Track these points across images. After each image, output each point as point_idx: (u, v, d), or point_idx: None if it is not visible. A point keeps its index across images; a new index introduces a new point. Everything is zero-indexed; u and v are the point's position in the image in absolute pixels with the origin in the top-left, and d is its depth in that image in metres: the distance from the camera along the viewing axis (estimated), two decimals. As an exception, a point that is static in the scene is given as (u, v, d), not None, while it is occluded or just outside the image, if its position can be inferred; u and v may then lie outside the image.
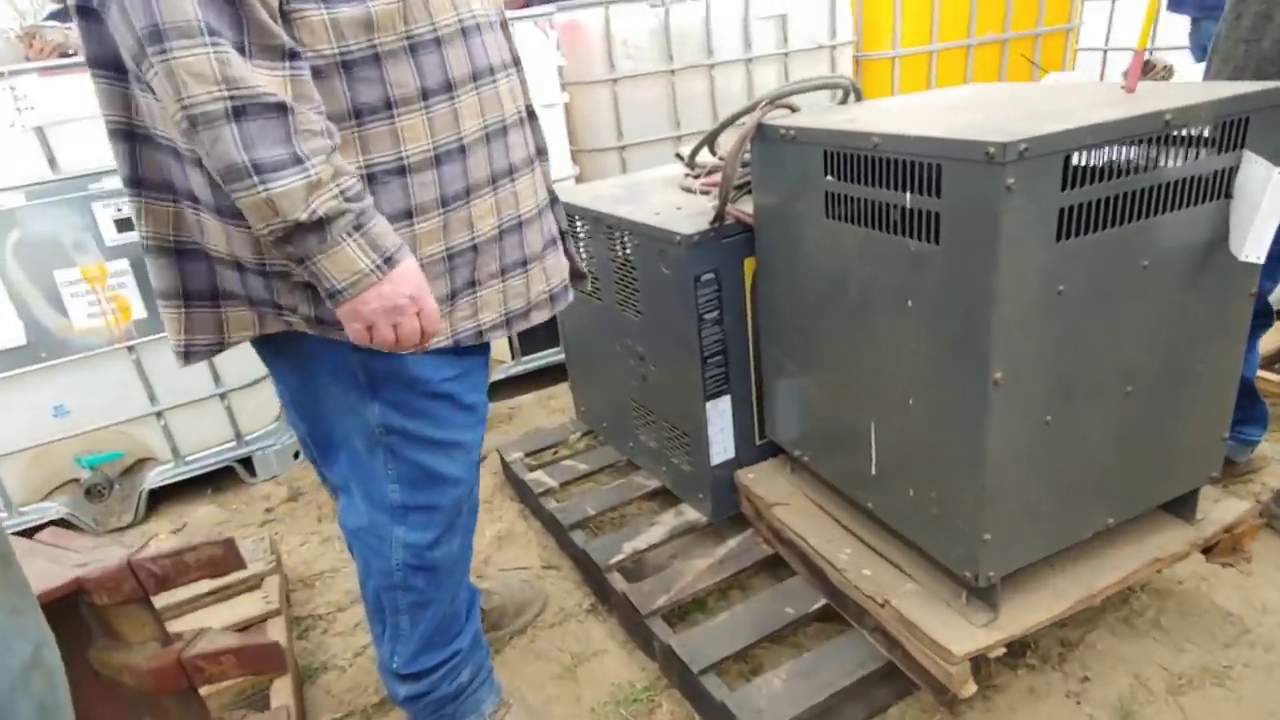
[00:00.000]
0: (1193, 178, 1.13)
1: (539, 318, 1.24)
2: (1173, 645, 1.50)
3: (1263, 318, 1.79)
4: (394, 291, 0.97)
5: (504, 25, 1.17)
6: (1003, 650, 1.24)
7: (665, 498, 1.98)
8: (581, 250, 1.96)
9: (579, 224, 1.94)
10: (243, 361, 2.39)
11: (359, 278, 0.94)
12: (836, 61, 3.33)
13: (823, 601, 1.53)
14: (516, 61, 1.19)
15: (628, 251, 1.78)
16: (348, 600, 1.92)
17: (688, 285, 1.59)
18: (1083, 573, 1.34)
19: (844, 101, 1.60)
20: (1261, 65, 1.54)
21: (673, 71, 2.97)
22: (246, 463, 2.46)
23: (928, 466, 1.26)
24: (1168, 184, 1.12)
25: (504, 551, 2.03)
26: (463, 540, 1.31)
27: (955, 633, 1.25)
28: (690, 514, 1.85)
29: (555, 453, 2.31)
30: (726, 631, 1.50)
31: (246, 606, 1.69)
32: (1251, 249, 1.13)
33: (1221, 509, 1.45)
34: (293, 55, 0.91)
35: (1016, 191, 1.00)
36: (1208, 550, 1.45)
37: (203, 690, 1.12)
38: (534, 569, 1.96)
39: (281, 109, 0.89)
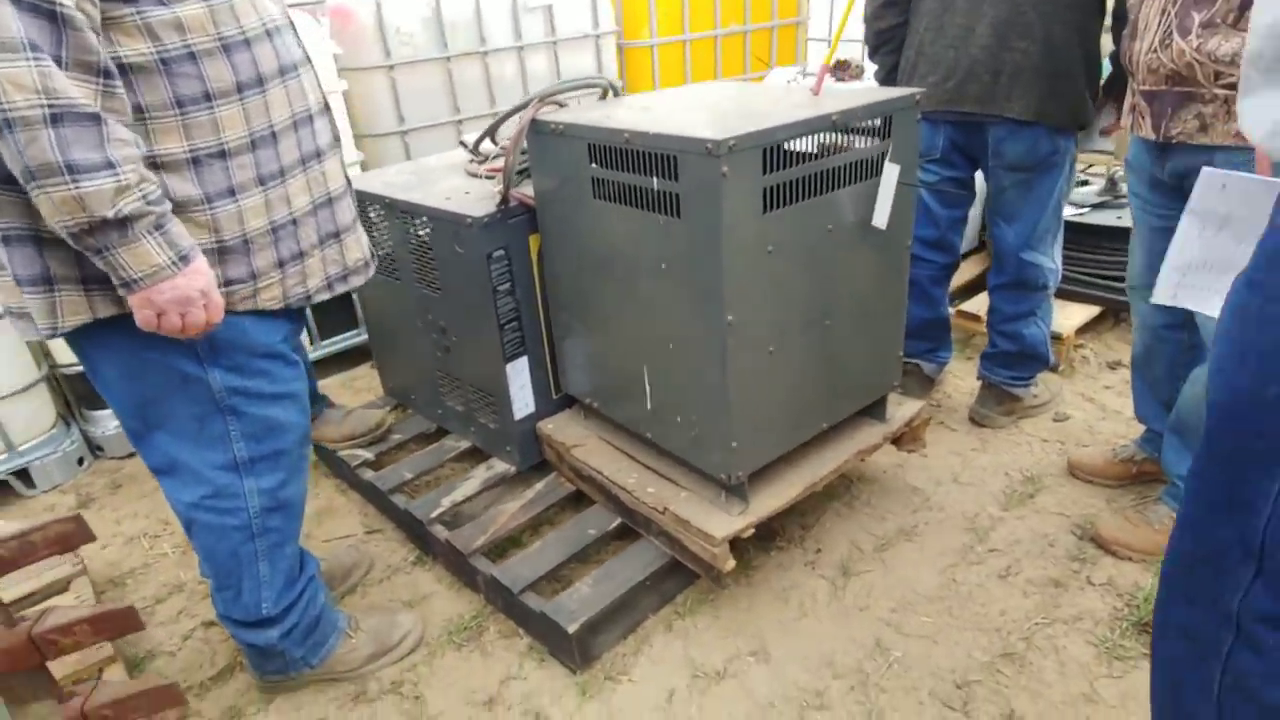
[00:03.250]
0: (855, 162, 1.53)
1: (356, 281, 1.44)
2: (878, 517, 1.97)
3: (947, 270, 2.31)
4: (187, 284, 1.11)
5: (292, 27, 1.30)
6: (752, 531, 1.61)
7: (475, 456, 2.18)
8: (376, 234, 2.09)
9: (373, 209, 2.06)
10: (8, 368, 2.25)
11: (155, 270, 1.07)
12: (601, 49, 3.61)
13: (618, 521, 1.83)
14: (308, 58, 1.33)
15: (422, 234, 1.94)
16: (165, 592, 1.94)
17: (481, 262, 1.79)
18: (808, 466, 1.74)
19: (604, 98, 1.87)
20: (973, 67, 1.90)
21: (448, 59, 3.09)
22: (23, 475, 2.32)
23: (688, 396, 1.59)
24: (839, 167, 1.50)
25: (325, 525, 2.13)
26: (302, 478, 1.48)
27: (717, 522, 1.59)
28: (499, 466, 2.07)
29: (365, 428, 2.42)
30: (540, 557, 1.76)
31: (58, 608, 1.68)
32: (877, 218, 1.55)
33: (904, 410, 1.92)
34: (106, 72, 1.00)
35: (730, 176, 1.32)
36: (896, 441, 1.92)
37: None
38: (357, 536, 2.08)
39: (95, 119, 0.99)
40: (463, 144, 2.21)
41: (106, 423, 2.46)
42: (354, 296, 2.78)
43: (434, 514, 1.92)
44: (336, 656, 1.61)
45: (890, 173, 1.52)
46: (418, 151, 3.12)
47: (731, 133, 1.31)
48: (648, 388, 1.68)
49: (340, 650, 1.61)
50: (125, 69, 1.06)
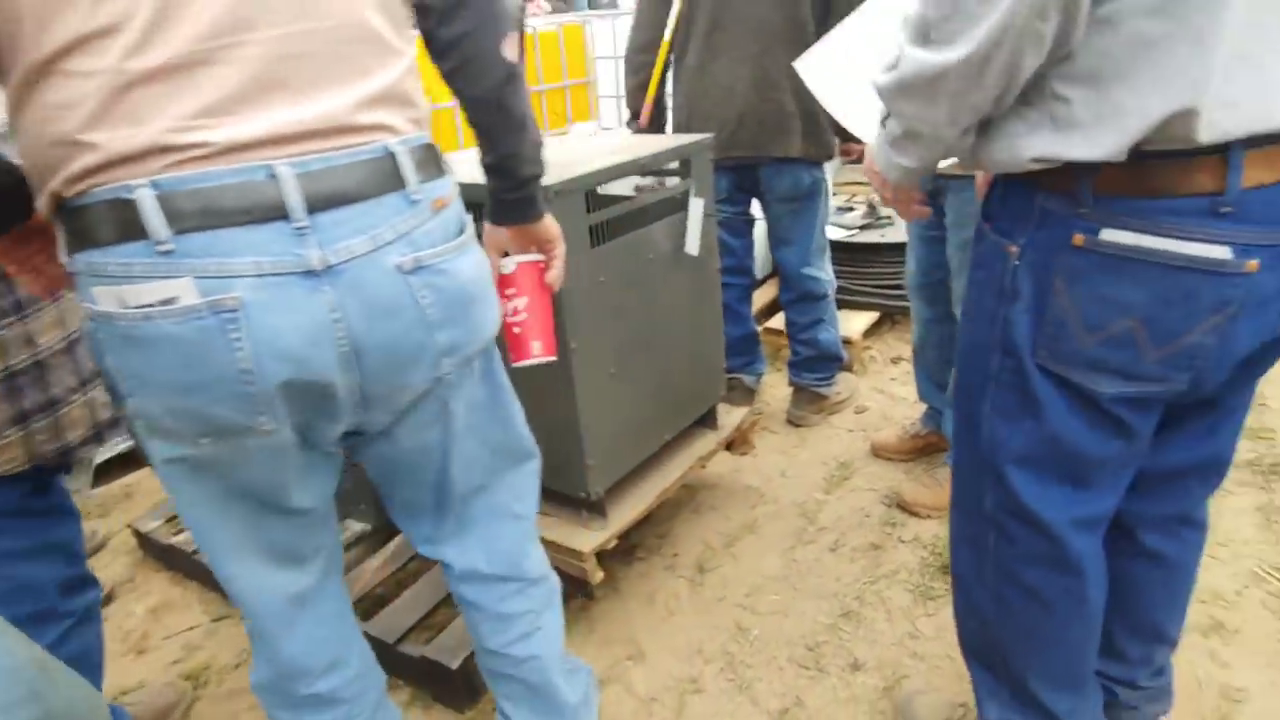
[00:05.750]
0: (666, 199, 1.73)
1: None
2: (723, 516, 2.17)
3: (748, 290, 2.60)
4: None
5: None
6: (615, 542, 1.73)
7: (326, 521, 2.14)
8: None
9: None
10: None
11: None
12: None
13: (485, 557, 1.88)
14: None
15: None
16: None
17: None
18: (657, 477, 1.89)
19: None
20: (741, 119, 2.22)
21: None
22: None
23: (542, 424, 1.69)
24: (654, 203, 1.70)
25: (164, 621, 1.99)
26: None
27: (582, 539, 1.70)
28: (355, 526, 2.05)
29: (197, 513, 2.29)
30: (412, 606, 1.77)
31: None
32: (689, 246, 1.77)
33: (732, 416, 2.14)
34: None
35: (560, 217, 1.46)
36: (730, 446, 2.13)
37: None
38: (202, 626, 1.96)
39: None
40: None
41: None
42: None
43: (291, 584, 1.87)
44: None
45: (695, 205, 1.74)
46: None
47: (556, 179, 1.46)
48: (501, 423, 1.77)
49: None
50: None
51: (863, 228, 3.23)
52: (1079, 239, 0.91)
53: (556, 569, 1.72)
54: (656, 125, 2.41)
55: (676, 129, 2.37)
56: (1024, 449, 1.06)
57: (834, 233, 3.19)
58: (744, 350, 2.58)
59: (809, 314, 2.44)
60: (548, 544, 1.71)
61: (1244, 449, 2.21)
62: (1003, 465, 1.08)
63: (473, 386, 1.11)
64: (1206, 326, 0.89)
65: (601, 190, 1.73)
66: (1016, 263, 0.98)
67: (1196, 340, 0.90)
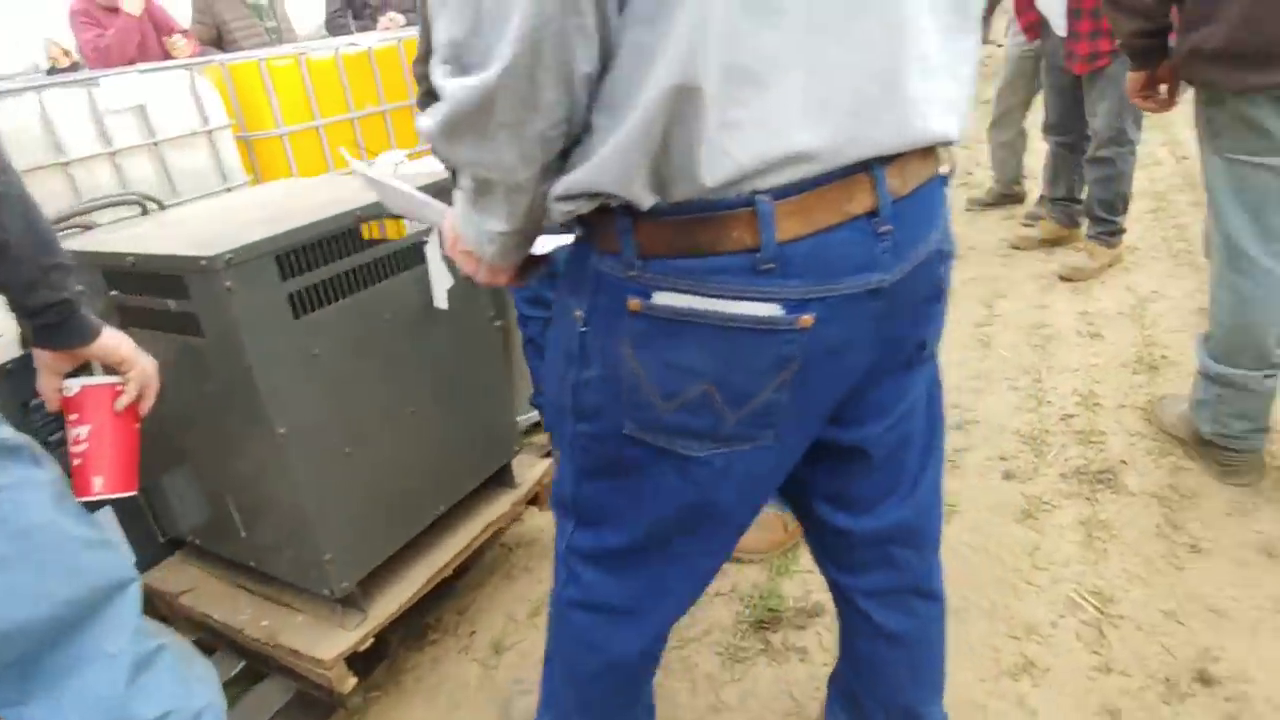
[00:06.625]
0: (400, 250, 1.54)
1: None
2: (535, 581, 1.99)
3: None
4: None
5: None
6: (371, 642, 1.53)
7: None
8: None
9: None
10: None
11: None
12: (218, 144, 3.39)
13: (242, 663, 1.66)
14: None
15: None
16: None
17: (18, 417, 1.55)
18: (431, 555, 1.70)
19: (144, 214, 1.73)
20: None
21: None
22: None
23: (271, 516, 1.48)
24: (381, 258, 1.50)
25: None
26: None
27: (329, 643, 1.49)
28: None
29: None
30: None
31: None
32: (436, 299, 1.58)
33: (534, 470, 1.96)
34: None
35: (237, 290, 1.26)
36: (534, 502, 1.95)
37: None
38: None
39: None
40: None
41: None
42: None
43: (14, 717, 1.61)
44: None
45: (433, 252, 1.55)
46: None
47: (228, 246, 1.25)
48: (236, 516, 1.55)
49: None
50: None
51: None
52: (634, 304, 0.82)
53: (305, 679, 1.53)
54: None
55: None
56: (596, 501, 1.00)
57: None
58: (565, 389, 2.40)
59: None
60: (291, 653, 1.51)
61: (1073, 454, 2.14)
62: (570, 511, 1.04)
63: None
64: (775, 384, 0.83)
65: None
66: (584, 329, 0.88)
67: (770, 399, 0.84)
